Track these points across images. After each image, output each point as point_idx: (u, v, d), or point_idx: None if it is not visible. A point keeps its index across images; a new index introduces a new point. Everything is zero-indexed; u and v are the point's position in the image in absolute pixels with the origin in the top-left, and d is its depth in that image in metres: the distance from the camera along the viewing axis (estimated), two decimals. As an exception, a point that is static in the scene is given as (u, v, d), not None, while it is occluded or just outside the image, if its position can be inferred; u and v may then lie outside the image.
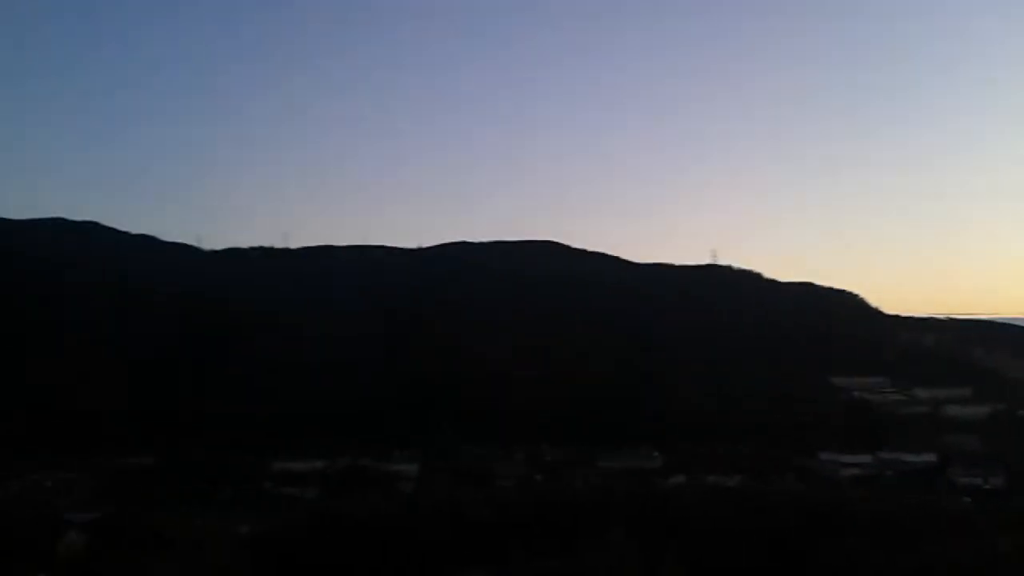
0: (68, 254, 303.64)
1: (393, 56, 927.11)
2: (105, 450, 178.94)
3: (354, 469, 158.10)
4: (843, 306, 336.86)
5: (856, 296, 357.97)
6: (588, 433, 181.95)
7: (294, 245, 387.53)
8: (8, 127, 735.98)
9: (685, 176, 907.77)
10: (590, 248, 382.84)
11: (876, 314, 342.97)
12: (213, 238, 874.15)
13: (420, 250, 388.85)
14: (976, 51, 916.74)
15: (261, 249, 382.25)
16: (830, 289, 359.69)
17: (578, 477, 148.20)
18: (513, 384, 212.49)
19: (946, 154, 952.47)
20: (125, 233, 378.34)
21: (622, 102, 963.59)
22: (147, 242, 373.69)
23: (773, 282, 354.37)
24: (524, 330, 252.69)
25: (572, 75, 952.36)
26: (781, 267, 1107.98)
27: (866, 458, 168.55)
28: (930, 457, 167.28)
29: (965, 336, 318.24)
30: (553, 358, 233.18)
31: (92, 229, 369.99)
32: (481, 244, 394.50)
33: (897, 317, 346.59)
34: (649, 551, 73.89)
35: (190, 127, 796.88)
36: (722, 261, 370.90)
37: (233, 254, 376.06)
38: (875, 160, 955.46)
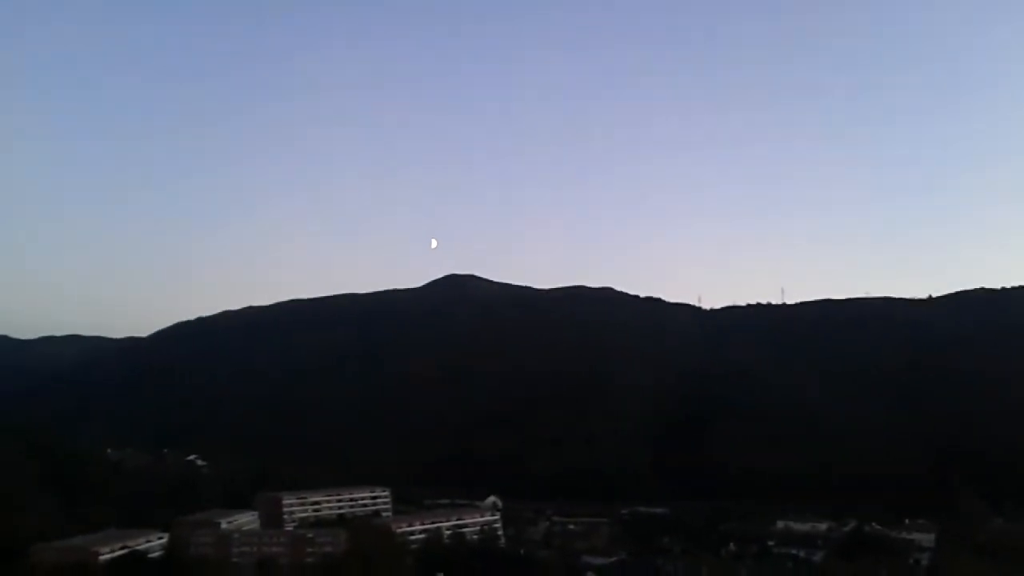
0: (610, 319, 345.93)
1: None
2: (622, 496, 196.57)
3: (861, 533, 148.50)
4: None
5: None
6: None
7: (790, 300, 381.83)
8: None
9: None
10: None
11: None
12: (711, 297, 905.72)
13: (936, 299, 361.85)
14: None
15: (758, 306, 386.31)
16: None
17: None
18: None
19: None
20: (635, 296, 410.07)
21: None
22: (656, 304, 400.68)
23: None
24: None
25: None
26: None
27: None
28: None
29: None
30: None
31: (611, 295, 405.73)
32: (1003, 290, 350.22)
33: None
34: None
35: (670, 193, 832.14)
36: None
37: (731, 312, 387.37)
38: None
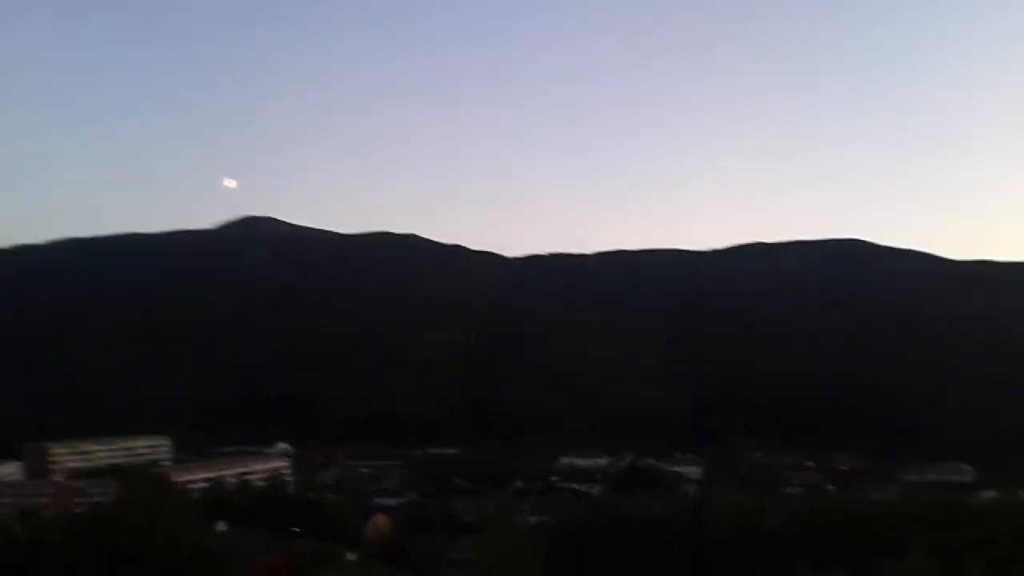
0: (413, 266, 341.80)
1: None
2: (416, 441, 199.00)
3: (637, 468, 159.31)
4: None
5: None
6: (888, 442, 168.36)
7: (590, 251, 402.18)
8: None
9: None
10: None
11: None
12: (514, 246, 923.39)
13: (709, 252, 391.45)
14: None
15: (559, 255, 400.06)
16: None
17: (876, 489, 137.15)
18: (805, 387, 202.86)
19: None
20: (439, 243, 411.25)
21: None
22: (459, 251, 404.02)
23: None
24: (829, 336, 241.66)
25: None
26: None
27: None
28: None
29: None
30: (845, 360, 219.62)
31: (416, 242, 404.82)
32: (773, 245, 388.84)
33: None
34: (953, 570, 67.27)
35: (485, 138, 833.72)
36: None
37: (534, 261, 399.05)
38: None
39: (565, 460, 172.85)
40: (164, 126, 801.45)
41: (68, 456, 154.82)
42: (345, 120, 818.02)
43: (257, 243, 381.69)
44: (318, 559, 76.72)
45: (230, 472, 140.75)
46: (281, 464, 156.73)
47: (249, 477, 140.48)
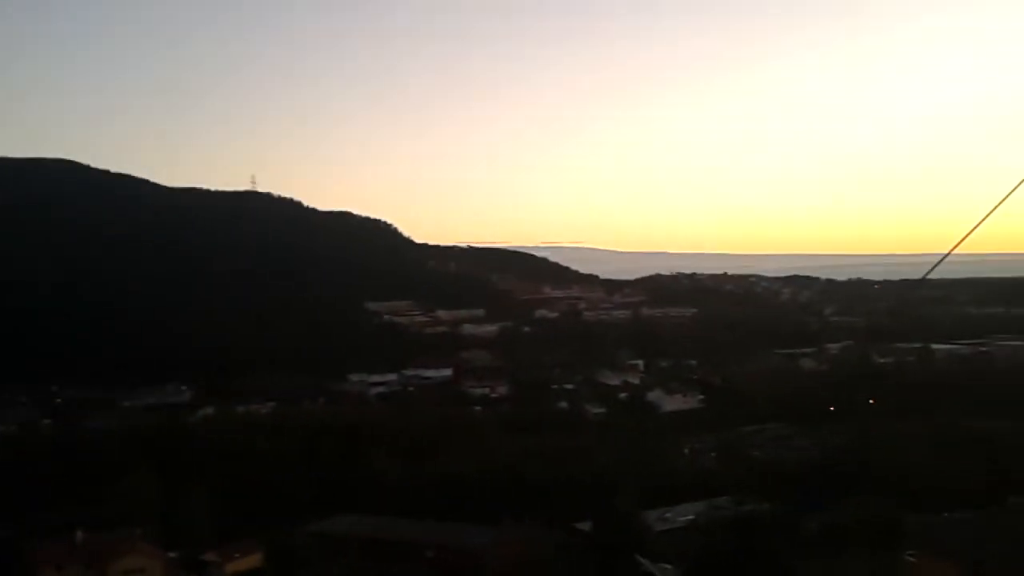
0: None
1: None
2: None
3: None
4: (378, 235, 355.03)
5: (390, 225, 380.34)
6: (110, 368, 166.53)
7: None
8: None
9: (224, 99, 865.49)
10: (115, 169, 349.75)
11: (407, 243, 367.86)
12: None
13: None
14: None
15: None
16: (366, 219, 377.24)
17: (97, 418, 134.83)
18: (18, 315, 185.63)
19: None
20: None
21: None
22: None
23: (312, 210, 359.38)
24: (38, 252, 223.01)
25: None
26: (320, 196, 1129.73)
27: (392, 376, 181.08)
28: (447, 372, 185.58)
29: (482, 263, 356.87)
30: (70, 284, 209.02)
31: None
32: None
33: (426, 245, 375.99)
34: (175, 489, 71.04)
35: None
36: (261, 188, 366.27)
37: None
38: (412, 96, 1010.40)
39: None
40: None
41: None
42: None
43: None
44: None
45: None
46: None
47: None
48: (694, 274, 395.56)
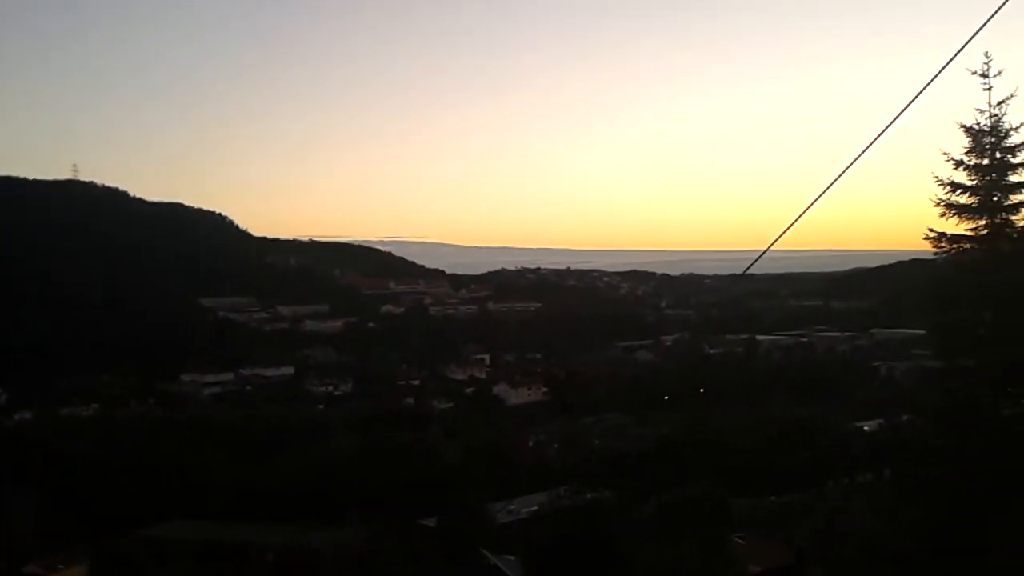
0: None
1: None
2: None
3: None
4: (212, 227, 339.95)
5: (225, 218, 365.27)
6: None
7: None
8: None
9: (41, 82, 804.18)
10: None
11: (244, 236, 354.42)
12: None
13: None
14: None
15: None
16: (199, 210, 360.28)
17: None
18: None
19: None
20: None
21: None
22: None
23: (140, 201, 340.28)
24: None
25: None
26: (149, 186, 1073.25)
27: (228, 376, 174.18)
28: (288, 370, 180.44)
29: (325, 257, 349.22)
30: None
31: None
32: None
33: (265, 239, 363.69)
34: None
35: None
36: (84, 177, 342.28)
37: None
38: (248, 82, 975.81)
39: None
40: None
41: None
42: None
43: None
44: None
45: None
46: None
47: None
48: (538, 269, 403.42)
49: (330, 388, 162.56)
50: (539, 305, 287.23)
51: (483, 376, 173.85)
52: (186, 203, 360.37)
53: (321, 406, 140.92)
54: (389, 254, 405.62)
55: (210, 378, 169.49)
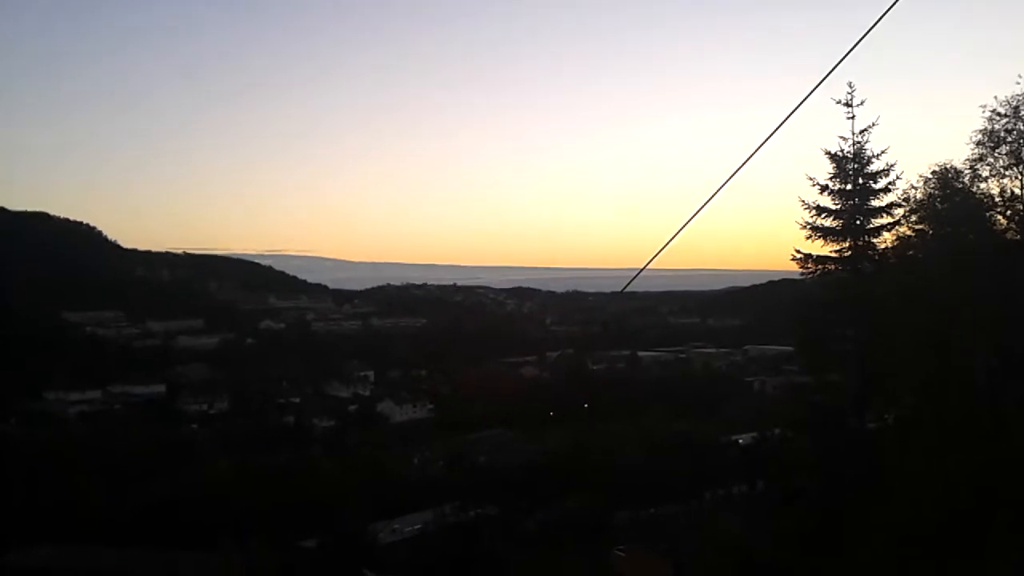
0: None
1: None
2: None
3: None
4: (79, 239, 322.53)
5: (93, 229, 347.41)
6: None
7: None
8: None
9: None
10: None
11: (113, 248, 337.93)
12: None
13: None
14: None
15: None
16: (66, 220, 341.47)
17: None
18: None
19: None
20: None
21: None
22: None
23: (2, 210, 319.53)
24: None
25: None
26: (11, 195, 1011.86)
27: (96, 394, 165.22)
28: (159, 388, 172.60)
29: (200, 270, 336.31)
30: None
31: None
32: None
33: (135, 251, 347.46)
34: None
35: None
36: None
37: None
38: (123, 88, 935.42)
39: None
40: None
41: None
42: None
43: None
44: None
45: None
46: None
47: None
48: (424, 284, 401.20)
49: (204, 407, 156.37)
50: (425, 321, 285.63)
51: (367, 393, 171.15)
52: (51, 213, 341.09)
53: (195, 425, 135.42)
54: (269, 268, 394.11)
55: (76, 396, 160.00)
